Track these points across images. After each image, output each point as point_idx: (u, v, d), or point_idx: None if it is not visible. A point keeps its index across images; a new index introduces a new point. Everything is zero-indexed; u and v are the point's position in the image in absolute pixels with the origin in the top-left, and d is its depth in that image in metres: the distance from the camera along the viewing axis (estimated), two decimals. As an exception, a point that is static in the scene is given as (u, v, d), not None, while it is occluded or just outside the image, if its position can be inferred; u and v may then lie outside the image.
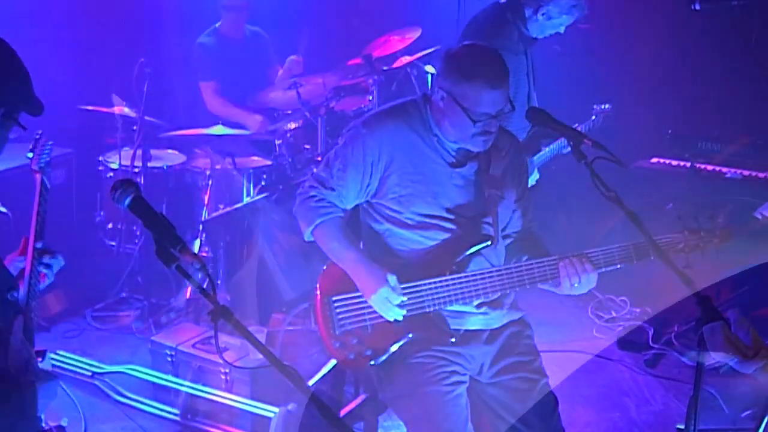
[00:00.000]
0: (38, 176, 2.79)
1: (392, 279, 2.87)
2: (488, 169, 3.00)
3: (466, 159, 3.00)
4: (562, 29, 4.23)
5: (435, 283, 2.91)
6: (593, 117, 4.73)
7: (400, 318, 2.89)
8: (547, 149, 4.41)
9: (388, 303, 2.86)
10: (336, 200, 3.02)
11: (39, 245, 2.69)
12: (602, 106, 4.74)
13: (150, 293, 5.18)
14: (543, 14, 4.10)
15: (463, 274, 2.91)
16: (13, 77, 2.36)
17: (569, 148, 4.33)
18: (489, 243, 2.95)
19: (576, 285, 2.85)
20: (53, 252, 2.74)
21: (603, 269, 2.87)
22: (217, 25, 5.94)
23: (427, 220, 2.96)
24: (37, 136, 2.87)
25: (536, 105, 4.22)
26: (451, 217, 2.97)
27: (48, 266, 2.72)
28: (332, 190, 3.01)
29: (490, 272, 2.91)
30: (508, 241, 3.11)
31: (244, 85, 5.79)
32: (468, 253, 2.94)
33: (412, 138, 2.97)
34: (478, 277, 2.90)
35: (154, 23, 6.14)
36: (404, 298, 2.88)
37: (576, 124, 4.61)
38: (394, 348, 2.91)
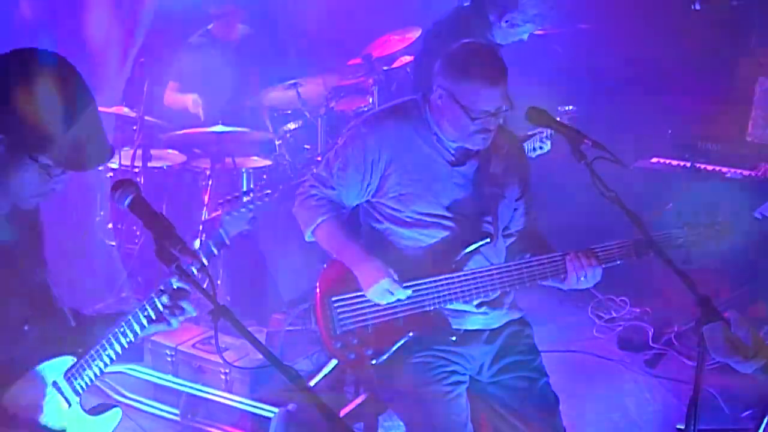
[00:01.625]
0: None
1: (394, 273, 2.88)
2: (488, 167, 3.01)
3: (466, 157, 3.00)
4: (525, 36, 4.20)
5: (435, 281, 2.91)
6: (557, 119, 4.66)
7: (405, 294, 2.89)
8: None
9: (389, 295, 2.86)
10: (336, 200, 3.02)
11: (178, 285, 2.37)
12: (566, 108, 4.67)
13: (150, 293, 5.17)
14: (506, 21, 4.08)
15: (462, 272, 2.91)
16: (24, 104, 2.08)
17: (536, 152, 4.33)
18: (488, 240, 2.96)
19: (582, 279, 2.86)
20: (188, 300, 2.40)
21: (603, 265, 2.88)
22: (209, 26, 5.92)
23: (428, 218, 2.96)
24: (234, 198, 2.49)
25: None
26: (451, 215, 2.97)
27: (178, 311, 2.41)
28: (332, 189, 3.01)
29: (490, 270, 2.91)
30: (512, 240, 3.11)
31: (232, 86, 5.79)
32: (467, 250, 2.94)
33: (412, 137, 2.97)
34: (478, 274, 2.90)
35: (154, 23, 6.12)
36: (409, 292, 2.88)
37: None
38: (394, 347, 2.92)
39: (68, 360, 2.39)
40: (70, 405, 2.40)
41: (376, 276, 2.87)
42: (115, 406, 2.50)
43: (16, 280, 2.31)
